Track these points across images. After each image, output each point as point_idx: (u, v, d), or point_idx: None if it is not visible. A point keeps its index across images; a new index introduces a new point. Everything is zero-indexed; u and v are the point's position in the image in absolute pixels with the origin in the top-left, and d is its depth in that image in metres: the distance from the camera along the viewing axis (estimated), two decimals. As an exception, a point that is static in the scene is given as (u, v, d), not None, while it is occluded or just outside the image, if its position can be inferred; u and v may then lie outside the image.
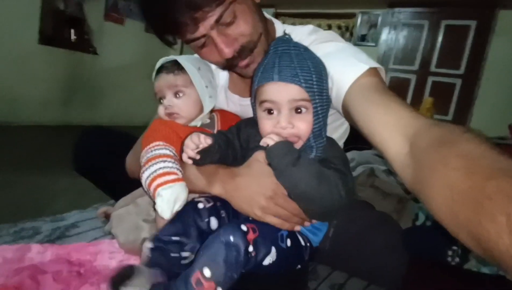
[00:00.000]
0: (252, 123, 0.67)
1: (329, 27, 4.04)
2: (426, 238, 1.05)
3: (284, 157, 0.54)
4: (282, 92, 0.56)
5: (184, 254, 0.56)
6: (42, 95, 3.50)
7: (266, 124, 0.59)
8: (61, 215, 0.94)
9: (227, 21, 0.60)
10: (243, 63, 0.66)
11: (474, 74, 3.36)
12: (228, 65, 0.67)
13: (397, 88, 3.65)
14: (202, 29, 0.59)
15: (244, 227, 0.51)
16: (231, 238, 0.49)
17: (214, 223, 0.58)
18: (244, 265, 0.50)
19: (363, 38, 3.83)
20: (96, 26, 3.82)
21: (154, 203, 0.59)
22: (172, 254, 0.55)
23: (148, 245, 0.57)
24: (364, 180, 1.21)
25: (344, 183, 0.55)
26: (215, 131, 0.76)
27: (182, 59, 0.73)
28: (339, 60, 0.63)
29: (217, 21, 0.59)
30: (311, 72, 0.56)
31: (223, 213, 0.60)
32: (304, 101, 0.57)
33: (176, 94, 0.72)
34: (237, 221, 0.56)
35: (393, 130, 0.50)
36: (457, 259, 1.01)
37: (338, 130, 0.82)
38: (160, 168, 0.61)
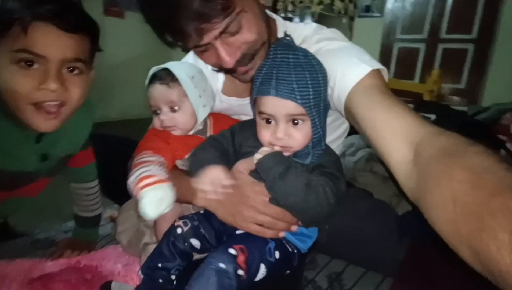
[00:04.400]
0: (247, 127, 0.69)
1: (332, 0, 3.89)
2: (426, 221, 1.06)
3: (270, 171, 0.56)
4: (279, 107, 0.57)
5: (172, 277, 0.62)
6: (53, 97, 3.58)
7: (264, 133, 0.61)
8: (71, 221, 0.99)
9: (232, 31, 0.59)
10: (242, 69, 0.66)
11: (487, 37, 3.17)
12: (226, 70, 0.67)
13: (405, 59, 3.52)
14: (206, 39, 0.58)
15: (232, 251, 0.53)
16: (222, 265, 0.51)
17: (195, 243, 0.62)
18: (237, 287, 0.52)
19: (367, 9, 3.66)
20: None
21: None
22: (161, 280, 0.61)
23: (140, 274, 0.63)
24: (363, 166, 1.21)
25: (335, 187, 0.57)
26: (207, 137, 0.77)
27: (176, 68, 0.72)
28: (341, 60, 0.63)
29: (222, 32, 0.58)
30: (308, 86, 0.57)
31: (202, 231, 0.63)
32: (301, 115, 0.58)
33: (171, 108, 0.72)
34: (226, 243, 0.57)
35: (397, 137, 0.49)
36: (457, 240, 1.02)
37: (338, 129, 0.82)
38: (144, 171, 0.62)
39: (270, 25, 0.69)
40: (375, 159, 1.23)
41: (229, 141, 0.69)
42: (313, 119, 0.58)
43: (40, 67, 0.55)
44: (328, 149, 0.66)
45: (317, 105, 0.58)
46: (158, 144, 0.71)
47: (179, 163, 0.73)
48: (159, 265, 0.62)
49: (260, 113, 0.60)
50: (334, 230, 0.90)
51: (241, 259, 0.53)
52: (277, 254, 0.59)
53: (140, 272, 0.64)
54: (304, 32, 0.73)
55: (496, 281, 0.30)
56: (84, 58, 0.60)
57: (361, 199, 1.06)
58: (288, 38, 0.61)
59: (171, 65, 0.73)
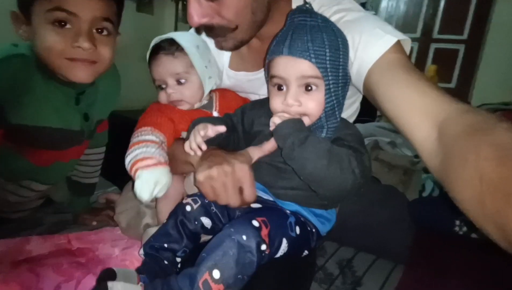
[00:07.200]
0: (259, 105, 0.64)
1: (326, -3, 3.88)
2: (433, 209, 1.03)
3: (289, 137, 0.51)
4: (291, 68, 0.53)
5: (178, 259, 0.57)
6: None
7: (275, 100, 0.56)
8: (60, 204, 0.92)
9: None
10: (211, 36, 0.62)
11: (477, 39, 3.24)
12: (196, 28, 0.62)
13: (398, 58, 3.55)
14: None
15: (256, 223, 0.48)
16: (244, 238, 0.45)
17: (206, 222, 0.57)
18: (258, 264, 0.47)
19: (362, 6, 3.66)
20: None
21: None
22: (166, 262, 0.56)
23: (141, 252, 0.57)
24: (369, 153, 1.18)
25: (359, 161, 0.51)
26: (213, 112, 0.73)
27: (180, 38, 0.68)
28: (363, 31, 0.58)
29: None
30: (325, 46, 0.52)
31: (213, 209, 0.58)
32: (315, 78, 0.52)
33: (178, 80, 0.68)
34: (247, 215, 0.51)
35: (421, 114, 0.46)
36: (464, 229, 1.00)
37: (350, 107, 0.76)
38: (142, 152, 0.59)
39: (264, 15, 0.63)
40: (380, 147, 1.20)
41: (238, 118, 0.65)
42: (328, 84, 0.53)
43: (72, 27, 0.59)
44: (346, 123, 0.60)
45: (334, 70, 0.53)
46: (160, 119, 0.67)
47: (184, 134, 0.69)
48: (165, 245, 0.56)
49: (272, 78, 0.56)
50: (345, 215, 0.86)
51: (264, 232, 0.47)
52: (297, 230, 0.54)
53: (141, 252, 0.58)
54: (321, 2, 0.69)
55: None
56: (112, 19, 0.63)
57: (371, 184, 1.02)
58: (307, 5, 0.56)
59: (175, 35, 0.69)
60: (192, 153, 0.57)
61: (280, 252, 0.51)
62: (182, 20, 4.28)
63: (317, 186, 0.53)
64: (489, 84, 3.16)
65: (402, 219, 0.91)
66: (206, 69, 0.70)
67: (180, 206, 0.59)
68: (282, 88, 0.55)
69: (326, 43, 0.52)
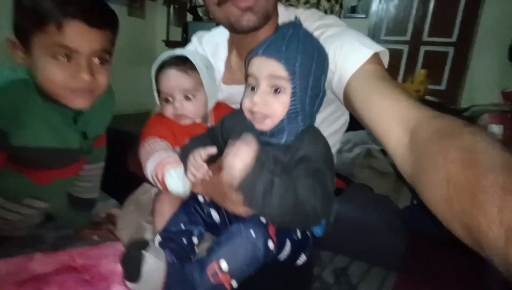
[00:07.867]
0: (236, 114, 0.66)
1: (318, 0, 3.91)
2: (425, 215, 1.07)
3: (252, 195, 0.51)
4: (262, 67, 0.56)
5: (195, 240, 0.59)
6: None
7: (245, 99, 0.59)
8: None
9: None
10: (242, 3, 0.63)
11: (466, 41, 3.30)
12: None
13: (389, 60, 3.59)
14: None
15: (263, 219, 0.52)
16: (253, 233, 0.49)
17: (214, 214, 0.62)
18: (264, 259, 0.51)
19: (353, 10, 3.71)
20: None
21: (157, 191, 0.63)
22: (185, 241, 0.58)
23: (157, 238, 0.58)
24: (361, 162, 1.21)
25: (321, 188, 0.51)
26: (209, 124, 0.77)
27: (193, 56, 0.71)
28: (343, 44, 0.62)
29: None
30: (298, 53, 0.54)
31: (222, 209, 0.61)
32: (282, 80, 0.55)
33: (186, 96, 0.72)
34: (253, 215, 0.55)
35: (394, 121, 0.49)
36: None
37: (337, 121, 0.80)
38: (169, 156, 0.65)
39: (272, 10, 0.69)
40: (372, 155, 1.23)
41: (218, 129, 0.68)
42: (295, 87, 0.55)
43: (73, 59, 0.61)
44: (315, 138, 0.59)
45: (303, 76, 0.55)
46: (164, 130, 0.71)
47: (177, 150, 0.72)
48: (182, 227, 0.59)
49: (247, 77, 0.59)
50: (338, 223, 0.89)
51: (272, 229, 0.51)
52: (299, 234, 0.58)
53: (158, 238, 0.59)
54: (307, 17, 0.73)
55: (485, 254, 0.31)
56: (109, 49, 0.66)
57: (364, 193, 1.05)
58: (297, 21, 0.60)
59: (187, 52, 0.73)
60: (193, 179, 0.61)
61: (284, 254, 0.55)
62: (173, 24, 4.27)
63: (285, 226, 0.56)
64: (478, 85, 3.22)
65: (394, 228, 0.95)
66: (212, 88, 0.74)
67: (192, 197, 0.63)
68: (254, 88, 0.58)
69: (300, 50, 0.55)
